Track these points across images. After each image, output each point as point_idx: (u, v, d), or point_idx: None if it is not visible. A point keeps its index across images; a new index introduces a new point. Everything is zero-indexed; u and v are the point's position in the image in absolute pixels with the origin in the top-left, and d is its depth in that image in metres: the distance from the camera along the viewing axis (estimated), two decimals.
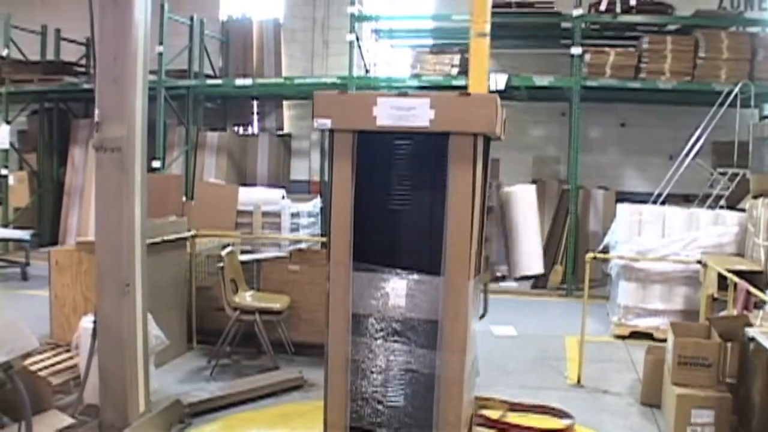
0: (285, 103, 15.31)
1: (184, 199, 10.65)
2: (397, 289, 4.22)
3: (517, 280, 5.05)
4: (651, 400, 6.26)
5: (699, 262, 7.26)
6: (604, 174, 13.29)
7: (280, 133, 15.20)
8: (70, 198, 14.58)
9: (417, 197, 4.25)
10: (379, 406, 4.30)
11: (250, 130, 15.43)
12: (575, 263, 11.05)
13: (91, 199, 13.50)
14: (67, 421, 4.48)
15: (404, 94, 4.10)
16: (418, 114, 4.05)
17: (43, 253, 10.92)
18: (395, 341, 4.24)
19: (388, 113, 4.08)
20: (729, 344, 5.47)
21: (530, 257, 4.96)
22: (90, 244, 6.54)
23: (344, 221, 4.21)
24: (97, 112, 4.96)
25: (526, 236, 4.86)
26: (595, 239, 11.55)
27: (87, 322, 5.74)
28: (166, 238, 7.09)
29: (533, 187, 5.03)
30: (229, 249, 7.33)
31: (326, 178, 13.90)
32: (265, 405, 6.22)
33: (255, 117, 15.48)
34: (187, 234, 7.67)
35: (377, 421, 4.30)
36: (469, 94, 4.10)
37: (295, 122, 15.38)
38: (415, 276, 4.17)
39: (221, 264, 6.98)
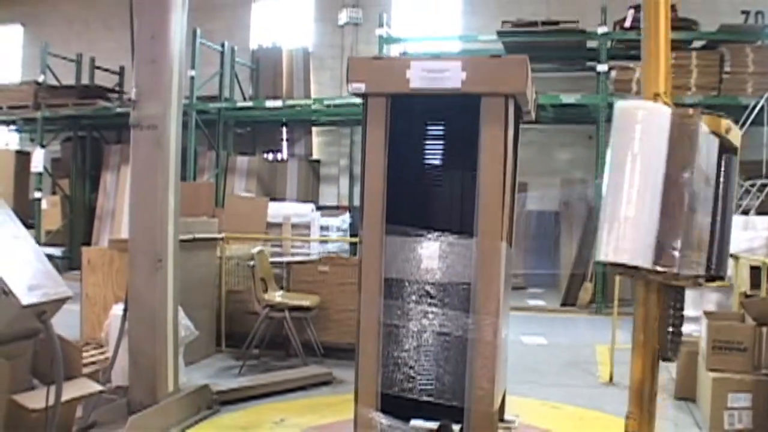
0: (314, 129, 15.51)
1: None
2: (429, 251, 4.23)
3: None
4: (685, 393, 6.16)
5: (731, 255, 7.16)
6: None
7: (310, 159, 15.36)
8: (101, 222, 14.82)
9: (449, 167, 4.32)
10: (411, 372, 4.27)
11: (279, 157, 15.62)
12: (605, 281, 10.95)
13: (122, 224, 13.72)
14: (97, 387, 4.49)
15: (437, 57, 4.17)
16: (451, 76, 4.09)
17: (74, 274, 11.06)
18: (428, 304, 4.23)
19: (420, 76, 4.14)
20: (764, 329, 5.39)
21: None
22: (122, 242, 6.61)
23: (377, 185, 4.24)
24: (134, 90, 5.09)
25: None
26: None
27: (117, 309, 5.79)
28: (197, 236, 7.15)
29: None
30: (259, 248, 7.39)
31: (355, 202, 14.00)
32: (294, 397, 6.21)
33: (284, 143, 15.68)
34: (218, 235, 7.74)
35: (408, 387, 4.27)
36: (499, 56, 4.16)
37: (324, 148, 15.56)
38: (448, 238, 4.18)
39: (252, 262, 7.02)
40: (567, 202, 13.03)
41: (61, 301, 3.82)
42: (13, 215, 4.00)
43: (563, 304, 11.43)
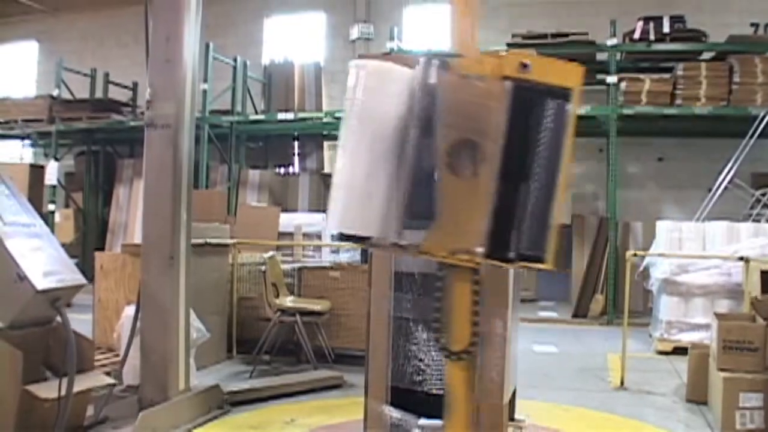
0: (325, 143, 15.59)
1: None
2: None
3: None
4: (697, 396, 6.14)
5: (741, 258, 7.15)
6: (643, 209, 13.20)
7: (321, 172, 15.43)
8: (113, 235, 14.92)
9: None
10: (421, 364, 4.28)
11: (291, 170, 15.68)
12: (615, 292, 10.92)
13: (134, 237, 13.79)
14: (108, 380, 4.53)
15: None
16: None
17: (86, 286, 11.12)
18: (438, 297, 4.24)
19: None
20: None
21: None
22: (135, 246, 6.68)
23: None
24: (148, 90, 5.17)
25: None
26: (634, 270, 11.43)
27: (130, 310, 5.83)
28: (209, 241, 7.20)
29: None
30: (271, 253, 7.43)
31: None
32: (304, 399, 6.22)
33: (296, 157, 15.74)
34: (230, 240, 7.79)
35: (418, 380, 4.28)
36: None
37: (335, 162, 15.58)
38: None
39: (263, 267, 7.05)
40: (578, 216, 13.01)
41: (75, 288, 3.87)
42: (28, 204, 4.06)
43: (574, 316, 11.40)
